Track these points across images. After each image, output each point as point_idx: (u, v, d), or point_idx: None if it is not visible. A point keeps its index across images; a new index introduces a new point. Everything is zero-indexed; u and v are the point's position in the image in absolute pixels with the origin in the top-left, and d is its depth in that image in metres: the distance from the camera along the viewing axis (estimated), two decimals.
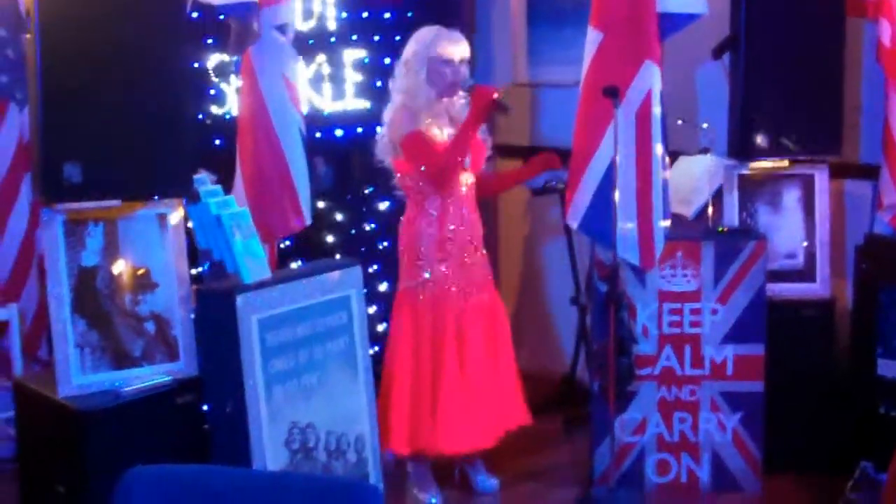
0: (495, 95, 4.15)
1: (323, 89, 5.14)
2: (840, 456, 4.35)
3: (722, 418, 4.44)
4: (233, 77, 4.88)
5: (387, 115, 4.36)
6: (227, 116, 4.94)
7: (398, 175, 4.37)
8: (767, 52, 4.43)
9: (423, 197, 4.31)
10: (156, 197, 3.77)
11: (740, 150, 4.51)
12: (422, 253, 4.31)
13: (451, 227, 4.31)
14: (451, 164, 4.19)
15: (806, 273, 4.60)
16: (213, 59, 4.91)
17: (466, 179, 4.34)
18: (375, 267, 5.16)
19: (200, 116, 4.86)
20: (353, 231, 5.23)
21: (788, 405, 4.46)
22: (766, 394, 4.40)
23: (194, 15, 4.83)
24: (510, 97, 4.55)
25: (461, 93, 4.29)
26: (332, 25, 5.14)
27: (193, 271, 3.95)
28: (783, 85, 4.46)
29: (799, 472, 4.50)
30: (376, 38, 5.20)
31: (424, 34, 4.31)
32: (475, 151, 4.35)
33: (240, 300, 3.52)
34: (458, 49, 4.26)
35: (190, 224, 3.76)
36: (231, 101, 4.95)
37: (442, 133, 4.27)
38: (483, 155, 4.41)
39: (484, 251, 4.46)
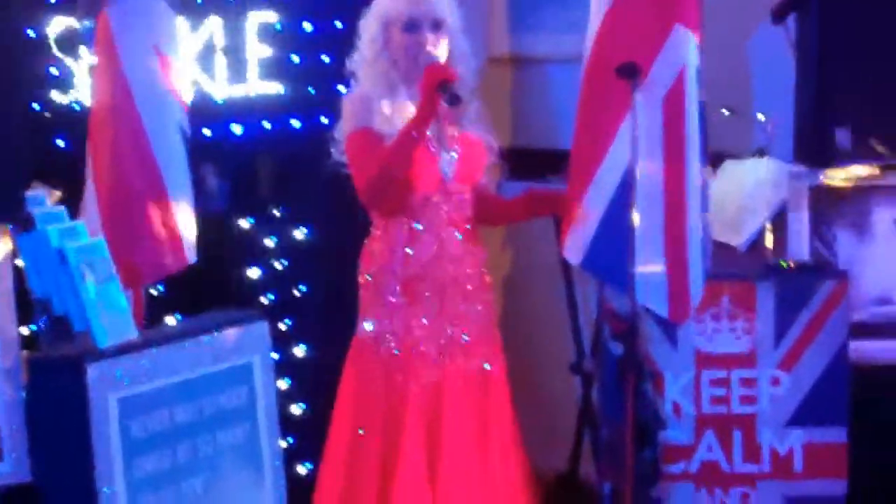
0: (445, 76, 4.12)
1: (215, 68, 5.15)
2: None
3: None
4: (83, 51, 4.87)
5: (343, 103, 4.36)
6: (76, 107, 4.93)
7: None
8: (850, 15, 4.44)
9: (383, 216, 4.30)
10: None
11: (813, 152, 4.55)
12: (380, 295, 4.30)
13: (427, 256, 4.29)
14: (385, 174, 4.15)
15: None
16: (56, 25, 4.89)
17: (447, 194, 4.31)
18: (288, 322, 5.13)
19: (36, 107, 4.85)
20: (261, 271, 5.20)
21: None
22: (849, 497, 4.41)
23: None
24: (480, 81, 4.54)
25: None
26: None
27: (25, 330, 3.91)
28: (872, 61, 4.48)
29: None
30: None
31: None
32: (467, 153, 4.33)
33: (92, 372, 3.47)
34: (426, 8, 4.25)
35: (20, 261, 3.72)
36: (80, 84, 4.94)
37: None
38: (481, 161, 4.40)
39: (486, 297, 4.44)
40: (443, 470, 4.26)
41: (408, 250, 4.27)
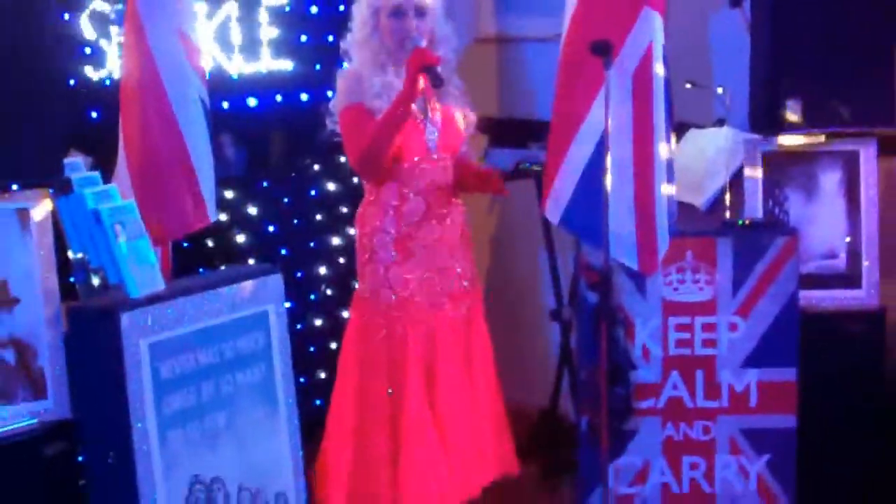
0: (430, 60, 4.13)
1: (232, 46, 5.14)
2: (892, 502, 4.37)
3: (744, 462, 4.47)
4: (114, 31, 4.86)
5: (337, 79, 4.37)
6: (107, 82, 4.92)
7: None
8: (798, 1, 4.44)
9: (379, 184, 4.32)
10: (14, 187, 3.73)
11: (766, 121, 4.54)
12: (376, 254, 4.33)
13: (416, 218, 4.31)
14: (375, 147, 4.18)
15: (849, 277, 4.64)
16: (89, 8, 4.89)
17: (434, 162, 4.33)
18: (299, 275, 5.15)
19: (72, 83, 4.84)
20: (272, 229, 5.20)
21: (828, 444, 4.50)
22: (799, 430, 4.43)
23: None
24: (468, 58, 4.52)
25: None
26: None
27: (64, 283, 3.90)
28: (820, 38, 4.48)
29: None
30: None
31: None
32: (449, 128, 4.36)
33: (125, 320, 3.48)
34: None
35: (59, 221, 3.71)
36: (112, 62, 4.93)
37: None
38: (459, 132, 4.42)
39: (467, 254, 4.47)
40: (440, 398, 4.33)
41: (400, 212, 4.30)
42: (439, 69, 4.14)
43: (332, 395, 4.41)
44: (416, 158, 4.28)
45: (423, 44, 4.21)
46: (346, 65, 4.39)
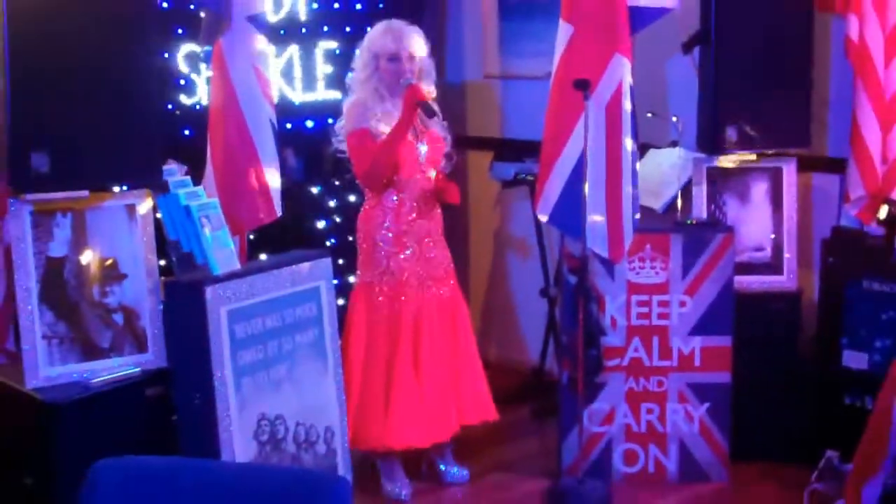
0: (422, 97, 4.16)
1: (294, 80, 5.13)
2: (806, 446, 4.37)
3: (689, 409, 4.45)
4: (203, 67, 4.87)
5: (343, 107, 4.38)
6: (198, 107, 4.92)
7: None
8: (737, 47, 4.43)
9: (379, 191, 4.31)
10: (124, 187, 3.75)
11: (709, 143, 4.51)
12: (379, 246, 4.33)
13: (410, 218, 4.32)
14: (378, 166, 4.21)
15: (773, 266, 4.62)
16: (184, 50, 4.90)
17: (423, 174, 4.34)
18: (341, 261, 5.15)
19: (170, 107, 4.84)
20: (325, 223, 5.21)
21: (755, 396, 4.48)
22: (733, 385, 4.43)
23: (164, 5, 4.82)
24: (478, 91, 4.51)
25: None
26: (303, 16, 5.13)
27: (162, 262, 3.91)
28: (752, 79, 4.46)
29: (765, 462, 4.52)
30: (347, 28, 5.18)
31: (374, 29, 4.34)
32: (433, 146, 4.36)
33: (209, 292, 3.50)
34: (404, 45, 4.26)
35: (159, 215, 3.73)
36: (201, 91, 4.94)
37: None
38: (440, 150, 4.42)
39: (444, 245, 4.46)
40: (423, 358, 4.34)
41: (398, 213, 4.31)
42: (429, 102, 4.17)
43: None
44: (410, 171, 4.29)
45: (414, 81, 4.22)
46: (349, 96, 4.37)
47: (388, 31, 4.28)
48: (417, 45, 4.30)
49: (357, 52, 4.37)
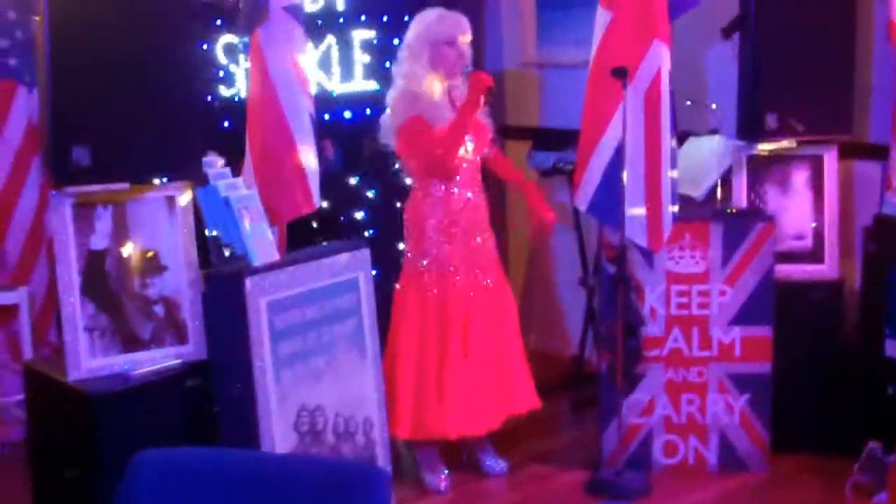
0: (490, 83, 4.16)
1: (332, 71, 5.13)
2: (847, 437, 4.34)
3: (729, 399, 4.44)
4: (242, 58, 4.88)
5: (389, 99, 4.36)
6: (236, 99, 4.94)
7: (401, 158, 4.39)
8: (777, 32, 4.40)
9: (426, 180, 4.31)
10: (165, 180, 3.77)
11: (749, 131, 4.49)
12: (427, 236, 4.32)
13: (456, 209, 4.31)
14: (448, 150, 4.19)
15: (814, 254, 4.59)
16: (222, 41, 4.92)
17: (471, 162, 4.33)
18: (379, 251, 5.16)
19: (209, 98, 4.86)
20: (361, 214, 5.22)
21: (796, 386, 4.45)
22: (773, 375, 4.40)
23: None
24: (516, 79, 4.51)
25: (461, 77, 4.29)
26: (340, 6, 5.13)
27: (202, 254, 3.94)
28: (793, 65, 4.43)
29: (806, 453, 4.49)
30: (385, 18, 5.17)
31: (427, 16, 4.31)
32: (478, 134, 4.34)
33: (248, 283, 3.53)
34: (460, 30, 4.26)
35: (199, 207, 3.75)
36: (240, 82, 4.95)
37: (444, 117, 4.26)
38: (486, 137, 4.41)
39: (491, 234, 4.45)
40: (473, 349, 4.34)
41: (447, 202, 4.30)
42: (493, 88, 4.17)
43: (388, 346, 4.36)
44: (460, 160, 4.29)
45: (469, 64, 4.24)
46: (394, 88, 4.35)
47: (445, 18, 4.28)
48: (467, 27, 4.31)
49: (406, 41, 4.34)
